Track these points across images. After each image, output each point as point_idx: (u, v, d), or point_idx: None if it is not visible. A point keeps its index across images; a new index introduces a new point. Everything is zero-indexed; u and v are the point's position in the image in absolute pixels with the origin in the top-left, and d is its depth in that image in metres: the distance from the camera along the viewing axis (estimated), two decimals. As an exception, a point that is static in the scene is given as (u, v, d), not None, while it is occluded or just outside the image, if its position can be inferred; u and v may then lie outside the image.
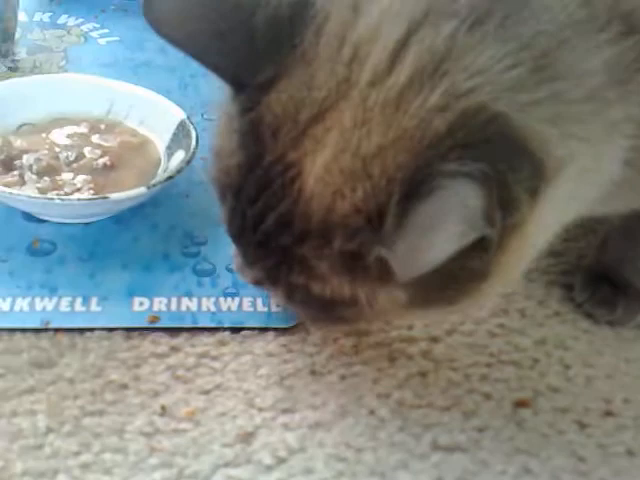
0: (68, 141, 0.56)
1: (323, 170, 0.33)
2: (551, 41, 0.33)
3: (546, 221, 0.35)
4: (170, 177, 0.52)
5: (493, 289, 0.37)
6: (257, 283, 0.41)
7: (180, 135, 0.57)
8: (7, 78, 0.68)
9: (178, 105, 0.62)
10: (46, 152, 0.54)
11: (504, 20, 0.33)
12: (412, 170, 0.31)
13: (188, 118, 0.58)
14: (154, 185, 0.51)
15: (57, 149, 0.55)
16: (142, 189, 0.51)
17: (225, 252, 0.54)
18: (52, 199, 0.49)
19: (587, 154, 0.35)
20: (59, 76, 0.63)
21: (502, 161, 0.30)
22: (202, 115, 0.66)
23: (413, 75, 0.32)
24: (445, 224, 0.30)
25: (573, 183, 0.35)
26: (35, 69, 0.70)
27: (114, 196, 0.50)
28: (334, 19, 0.34)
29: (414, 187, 0.30)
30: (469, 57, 0.32)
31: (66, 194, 0.52)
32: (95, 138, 0.57)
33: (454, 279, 0.34)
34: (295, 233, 0.35)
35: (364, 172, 0.32)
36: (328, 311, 0.38)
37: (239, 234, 0.38)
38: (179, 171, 0.53)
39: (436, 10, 0.33)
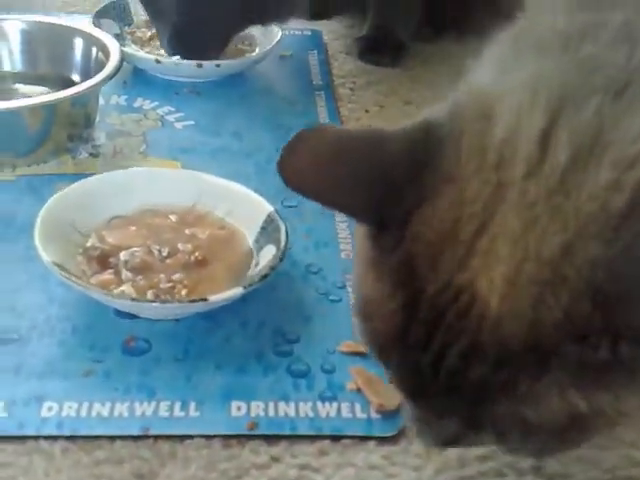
0: (159, 234, 0.57)
1: (506, 286, 0.30)
2: None
3: None
4: (265, 276, 0.52)
5: None
6: (451, 441, 0.37)
7: (269, 229, 0.57)
8: (89, 164, 0.69)
9: (257, 192, 0.62)
10: (139, 248, 0.54)
11: None
12: (616, 249, 0.29)
13: (276, 211, 0.58)
14: (250, 285, 0.51)
15: (149, 242, 0.56)
16: (239, 290, 0.50)
17: (318, 351, 0.54)
18: (152, 301, 0.49)
19: None
20: (147, 169, 0.64)
21: None
22: (282, 202, 0.66)
23: (573, 155, 0.31)
24: None
25: None
26: (116, 154, 0.71)
27: (213, 298, 0.49)
28: (469, 131, 0.33)
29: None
30: (623, 125, 0.31)
31: (161, 291, 0.51)
32: (185, 230, 0.57)
33: None
34: (490, 361, 0.31)
35: (559, 276, 0.30)
36: (554, 435, 0.33)
37: (416, 389, 0.35)
38: (273, 268, 0.53)
39: (572, 94, 0.33)
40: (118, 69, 0.69)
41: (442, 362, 0.32)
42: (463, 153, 0.33)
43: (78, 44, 0.74)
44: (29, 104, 0.64)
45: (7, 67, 0.76)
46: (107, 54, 0.72)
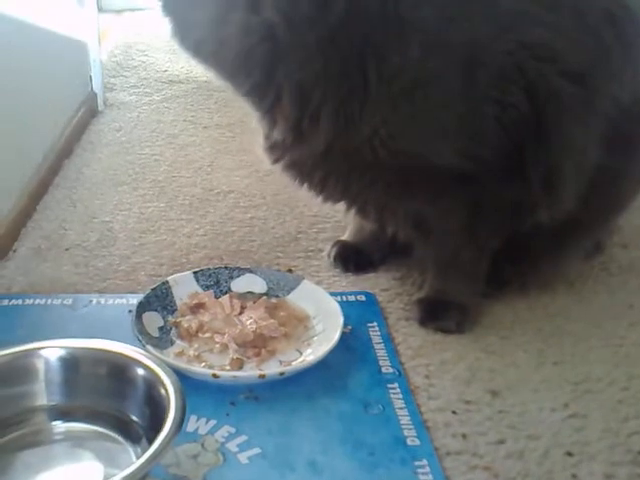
0: None
1: None
2: None
3: None
4: None
5: None
6: None
7: None
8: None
9: None
10: None
11: None
12: None
13: None
14: None
15: None
16: None
17: None
18: None
19: None
20: None
21: None
22: None
23: None
24: None
25: None
26: None
27: None
28: None
29: None
30: None
31: None
32: None
33: None
34: None
35: None
36: None
37: None
38: None
39: None
40: (181, 422, 0.58)
41: None
42: None
43: (131, 376, 0.63)
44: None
45: (42, 400, 0.64)
46: (164, 385, 0.62)
